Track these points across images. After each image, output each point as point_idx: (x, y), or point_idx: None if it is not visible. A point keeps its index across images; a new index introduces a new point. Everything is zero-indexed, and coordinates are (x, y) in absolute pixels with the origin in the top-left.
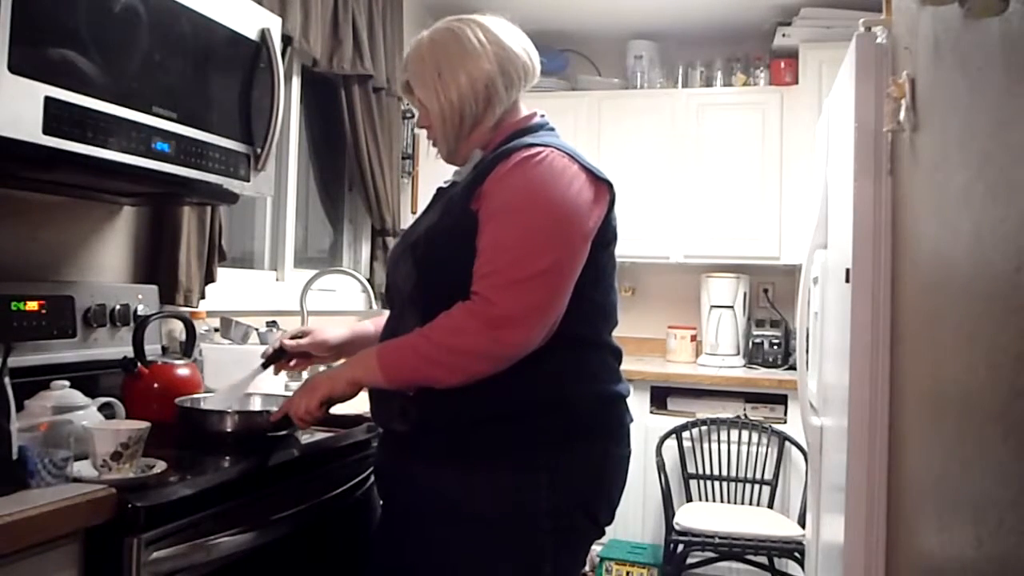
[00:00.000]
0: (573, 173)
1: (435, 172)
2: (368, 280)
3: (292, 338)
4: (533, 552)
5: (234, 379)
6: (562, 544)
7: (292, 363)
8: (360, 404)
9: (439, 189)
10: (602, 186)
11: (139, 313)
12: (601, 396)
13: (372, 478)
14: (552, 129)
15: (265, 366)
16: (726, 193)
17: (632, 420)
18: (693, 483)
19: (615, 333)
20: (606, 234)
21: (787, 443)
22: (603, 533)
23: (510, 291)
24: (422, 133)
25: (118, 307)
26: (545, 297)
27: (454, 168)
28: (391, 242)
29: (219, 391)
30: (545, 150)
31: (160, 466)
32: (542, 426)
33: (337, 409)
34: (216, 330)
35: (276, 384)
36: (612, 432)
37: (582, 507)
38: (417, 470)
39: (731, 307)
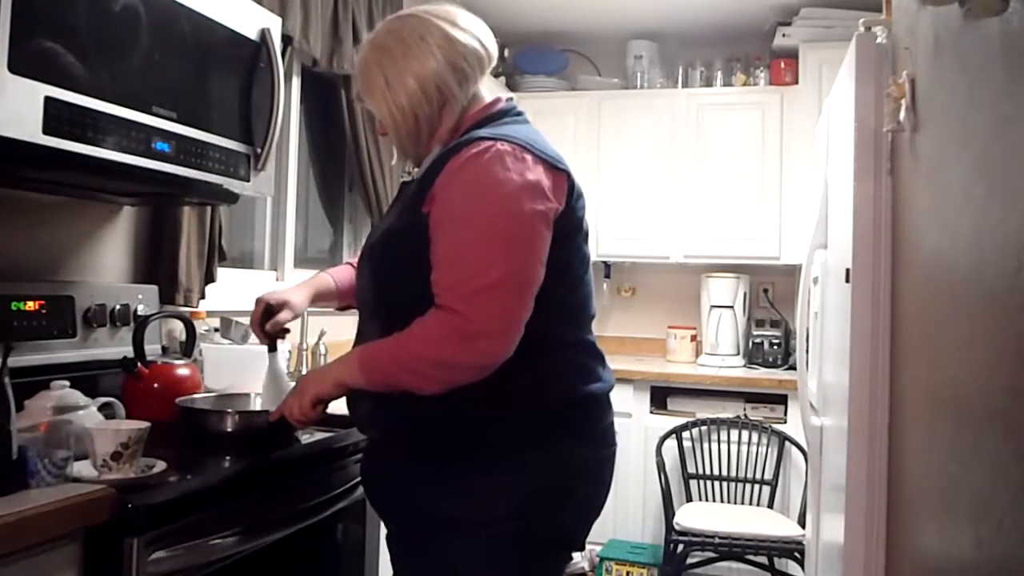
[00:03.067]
0: (524, 164)
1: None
2: None
3: (264, 314)
4: (492, 559)
5: (267, 380)
6: (523, 557)
7: (279, 333)
8: None
9: (402, 183)
10: (559, 175)
11: (139, 313)
12: (568, 398)
13: None
14: (519, 113)
15: (272, 348)
16: (726, 193)
17: (611, 419)
18: (693, 483)
19: (615, 332)
20: (568, 226)
21: (787, 443)
22: (579, 549)
23: (478, 301)
24: None
25: (118, 307)
26: (512, 300)
27: None
28: None
29: (263, 395)
30: (493, 144)
31: (160, 466)
32: (504, 430)
33: (337, 409)
34: (216, 330)
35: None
36: (581, 434)
37: (545, 516)
38: (388, 475)
39: (731, 307)
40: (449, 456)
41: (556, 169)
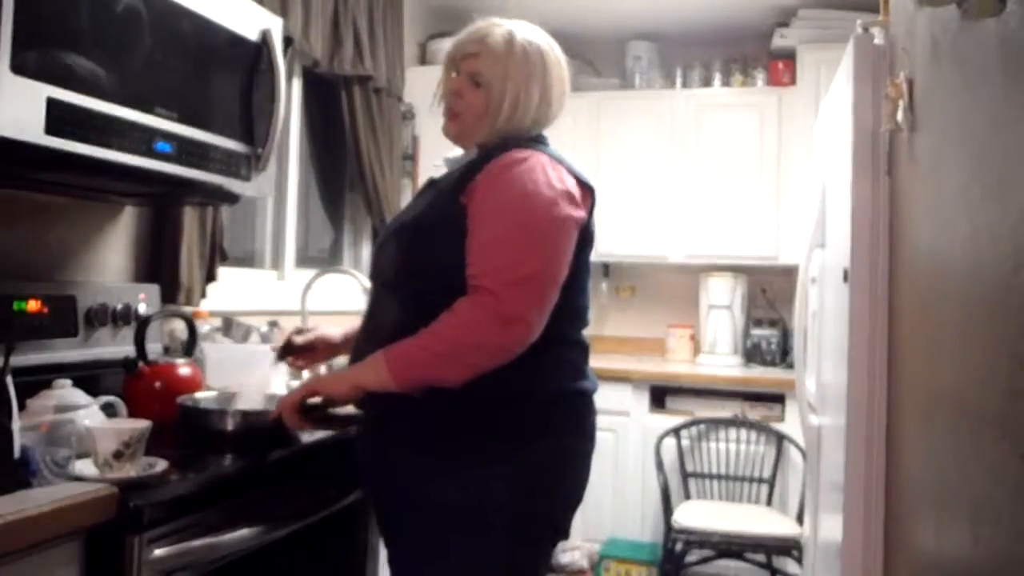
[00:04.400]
0: (560, 175)
1: (435, 172)
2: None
3: (297, 333)
4: (487, 547)
5: (250, 380)
6: (518, 544)
7: (298, 360)
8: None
9: (430, 179)
10: (585, 191)
11: (141, 312)
12: (563, 392)
13: None
14: (546, 140)
15: (280, 359)
16: (725, 193)
17: (596, 415)
18: (692, 482)
19: (614, 332)
20: (582, 239)
21: (785, 442)
22: (564, 537)
23: (516, 288)
24: (422, 133)
25: (120, 306)
26: (544, 292)
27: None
28: None
29: (241, 393)
30: (534, 154)
31: (161, 465)
32: (502, 420)
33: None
34: (218, 329)
35: (279, 384)
36: (573, 429)
37: (540, 505)
38: (385, 459)
39: (729, 307)
40: (450, 442)
41: (584, 185)
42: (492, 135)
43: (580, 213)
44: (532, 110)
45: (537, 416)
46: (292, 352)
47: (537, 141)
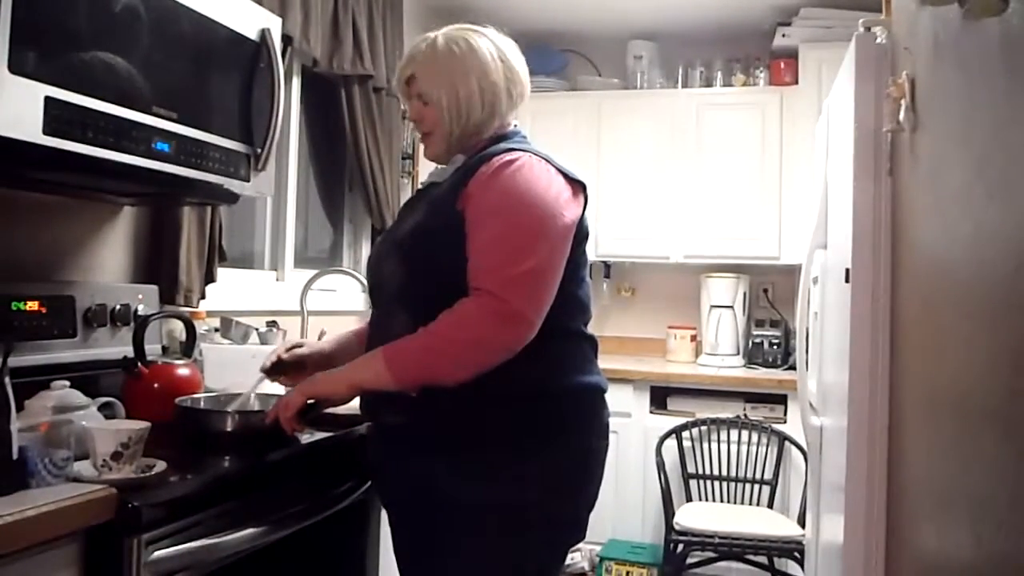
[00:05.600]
0: (551, 175)
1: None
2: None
3: (288, 351)
4: (517, 547)
5: (249, 380)
6: (545, 543)
7: (287, 378)
8: (355, 402)
9: (418, 190)
10: (577, 186)
11: (139, 313)
12: (581, 386)
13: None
14: (524, 137)
15: (268, 373)
16: (726, 193)
17: (609, 414)
18: (693, 483)
19: (615, 332)
20: (580, 231)
21: (787, 443)
22: (583, 536)
23: (514, 285)
24: None
25: (118, 307)
26: (542, 289)
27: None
28: None
29: (240, 394)
30: (524, 155)
31: (160, 466)
32: (526, 417)
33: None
34: (216, 330)
35: (276, 384)
36: (592, 424)
37: (567, 504)
38: (408, 461)
39: (731, 307)
40: (476, 441)
41: (574, 182)
42: (458, 140)
43: (572, 209)
44: (478, 100)
45: (559, 413)
46: (281, 370)
47: (513, 137)
